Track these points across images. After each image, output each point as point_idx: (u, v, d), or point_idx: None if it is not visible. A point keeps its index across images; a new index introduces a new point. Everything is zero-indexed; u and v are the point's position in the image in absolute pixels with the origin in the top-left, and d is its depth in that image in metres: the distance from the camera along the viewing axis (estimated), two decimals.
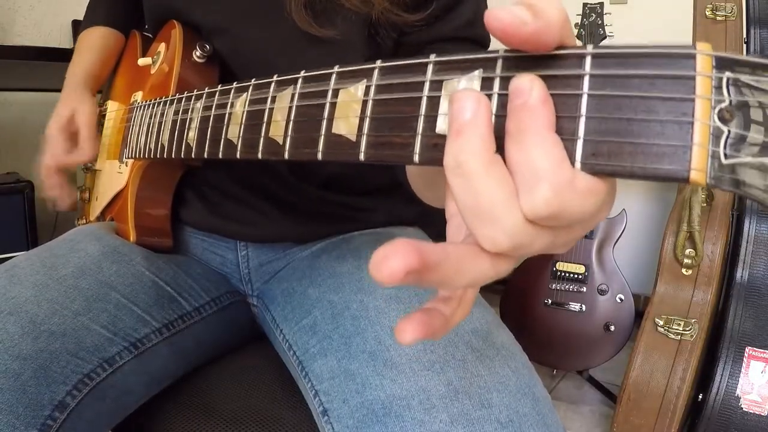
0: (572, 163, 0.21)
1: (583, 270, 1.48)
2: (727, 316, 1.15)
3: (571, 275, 1.49)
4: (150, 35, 0.74)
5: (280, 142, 0.33)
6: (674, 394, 1.15)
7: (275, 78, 0.35)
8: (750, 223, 1.18)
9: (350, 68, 0.29)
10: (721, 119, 0.18)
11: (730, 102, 0.18)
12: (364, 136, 0.27)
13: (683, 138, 0.19)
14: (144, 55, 0.73)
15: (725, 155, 0.18)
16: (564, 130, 0.21)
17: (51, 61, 1.28)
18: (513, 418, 0.42)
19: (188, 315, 0.62)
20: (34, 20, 1.76)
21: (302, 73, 0.33)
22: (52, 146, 0.70)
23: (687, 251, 1.21)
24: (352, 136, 0.28)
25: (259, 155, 0.35)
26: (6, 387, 0.44)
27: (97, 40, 0.78)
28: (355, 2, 0.52)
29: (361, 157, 0.27)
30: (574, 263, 1.50)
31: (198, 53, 0.60)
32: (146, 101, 0.61)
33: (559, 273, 1.50)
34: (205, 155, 0.43)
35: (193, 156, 0.46)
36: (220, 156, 0.41)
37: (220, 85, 0.43)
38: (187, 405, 0.58)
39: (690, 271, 1.21)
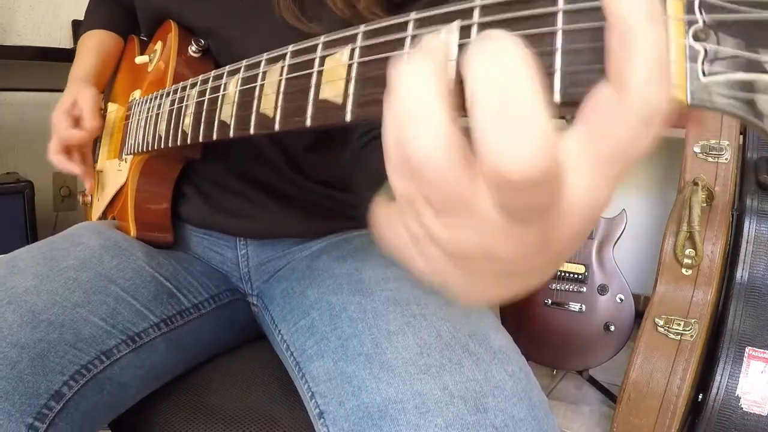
0: (552, 95, 0.21)
1: (583, 270, 1.48)
2: (727, 316, 1.15)
3: (571, 275, 1.49)
4: (146, 40, 0.75)
5: (271, 115, 0.34)
6: (674, 394, 1.15)
7: (265, 56, 0.36)
8: (750, 223, 1.17)
9: (335, 36, 0.30)
10: (696, 38, 0.19)
11: (704, 22, 0.19)
12: (350, 97, 0.28)
13: None
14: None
15: (703, 72, 0.19)
16: (541, 65, 0.21)
17: (51, 61, 1.29)
18: (508, 423, 0.42)
19: (187, 311, 0.62)
20: (34, 20, 1.76)
21: (290, 48, 0.33)
22: (57, 126, 0.70)
23: (687, 251, 1.21)
24: (338, 98, 0.28)
25: (251, 131, 0.36)
26: (3, 375, 0.44)
27: (96, 42, 0.79)
28: (339, 6, 0.53)
29: (348, 117, 0.28)
30: (574, 263, 1.50)
31: (193, 48, 0.61)
32: (143, 97, 0.62)
33: (559, 273, 1.50)
34: (200, 139, 0.44)
35: (189, 142, 0.46)
36: (215, 137, 0.41)
37: (213, 71, 0.44)
38: (185, 403, 0.58)
39: (690, 271, 1.21)
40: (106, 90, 0.86)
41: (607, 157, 0.20)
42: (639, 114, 0.19)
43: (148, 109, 0.58)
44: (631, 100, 0.19)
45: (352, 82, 0.28)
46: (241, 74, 0.39)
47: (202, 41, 0.61)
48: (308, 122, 0.30)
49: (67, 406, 0.47)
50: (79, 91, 0.71)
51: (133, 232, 0.64)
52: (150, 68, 0.68)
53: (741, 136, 1.28)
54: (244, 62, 0.39)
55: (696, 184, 1.23)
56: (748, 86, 0.18)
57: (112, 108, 0.78)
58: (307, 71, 0.31)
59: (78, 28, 1.56)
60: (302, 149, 0.63)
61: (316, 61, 0.30)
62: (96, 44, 0.79)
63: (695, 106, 0.19)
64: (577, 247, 0.25)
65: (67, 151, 0.71)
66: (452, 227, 0.22)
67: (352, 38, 0.29)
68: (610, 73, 0.20)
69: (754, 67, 0.18)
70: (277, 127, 0.33)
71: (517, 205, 0.20)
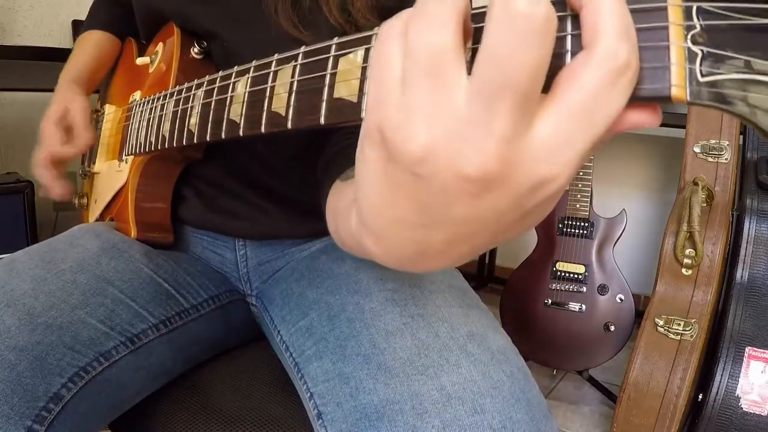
0: None
1: (583, 270, 1.48)
2: (727, 316, 1.15)
3: (571, 275, 1.49)
4: (145, 42, 0.75)
5: (283, 113, 0.34)
6: (674, 394, 1.15)
7: (276, 57, 0.37)
8: (750, 223, 1.17)
9: (349, 38, 0.30)
10: (694, 42, 0.21)
11: (702, 27, 0.21)
12: (365, 96, 0.28)
13: (662, 60, 0.22)
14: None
15: (701, 72, 0.21)
16: (552, 66, 0.23)
17: (51, 61, 1.29)
18: (506, 424, 0.42)
19: (186, 312, 0.62)
20: (34, 20, 1.76)
21: (302, 49, 0.34)
22: (48, 139, 0.68)
23: (687, 251, 1.21)
24: (354, 97, 0.29)
25: (263, 129, 0.36)
26: (1, 378, 0.44)
27: (93, 42, 0.79)
28: (335, 12, 0.53)
29: (363, 114, 0.28)
30: (574, 263, 1.49)
31: (196, 49, 0.61)
32: (145, 98, 0.61)
33: (559, 273, 1.50)
34: (208, 138, 0.44)
35: (195, 141, 0.46)
36: (223, 136, 0.42)
37: (220, 71, 0.44)
38: (185, 404, 0.58)
39: (690, 271, 1.21)
40: (101, 91, 0.85)
41: (574, 108, 0.22)
42: (604, 66, 0.21)
43: (151, 109, 0.58)
44: (598, 51, 0.21)
45: (368, 81, 0.28)
46: (250, 74, 0.39)
47: (205, 43, 0.61)
48: (322, 120, 0.31)
49: (65, 409, 0.47)
50: (69, 99, 0.70)
51: (133, 233, 0.63)
52: (151, 69, 0.68)
53: (741, 136, 1.28)
54: (254, 63, 0.39)
55: (696, 184, 1.22)
56: (741, 85, 0.20)
57: (110, 110, 0.78)
58: (321, 72, 0.32)
59: (78, 28, 1.56)
60: (299, 150, 0.63)
61: (330, 62, 0.31)
62: (92, 44, 0.78)
63: (694, 104, 0.21)
64: (541, 216, 0.26)
65: (55, 165, 0.69)
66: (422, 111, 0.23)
67: (366, 40, 0.29)
68: (583, 25, 0.22)
69: (746, 67, 0.20)
70: (289, 125, 0.34)
71: (495, 71, 0.21)
